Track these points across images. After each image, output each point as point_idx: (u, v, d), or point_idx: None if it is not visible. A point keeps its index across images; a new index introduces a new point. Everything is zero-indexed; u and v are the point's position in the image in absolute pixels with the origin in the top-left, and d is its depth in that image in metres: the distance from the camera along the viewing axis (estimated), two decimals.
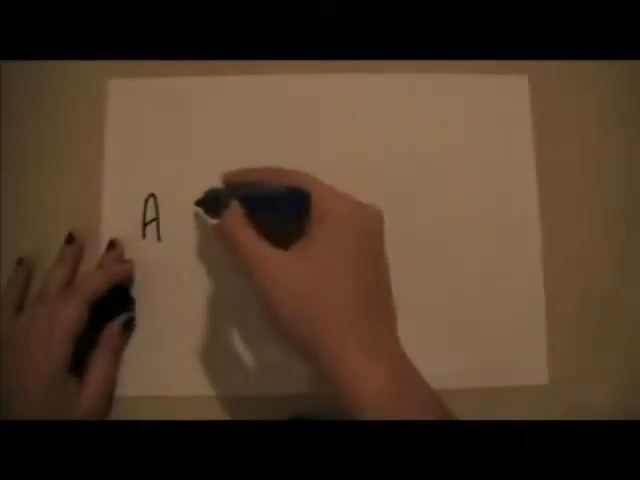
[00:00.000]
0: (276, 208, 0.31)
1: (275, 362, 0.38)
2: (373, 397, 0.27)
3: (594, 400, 0.38)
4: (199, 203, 0.37)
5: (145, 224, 0.39)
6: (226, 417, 0.35)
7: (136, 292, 0.39)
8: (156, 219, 0.40)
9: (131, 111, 0.41)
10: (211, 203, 0.36)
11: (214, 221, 0.36)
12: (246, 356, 0.38)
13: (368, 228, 0.30)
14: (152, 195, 0.40)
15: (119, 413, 0.37)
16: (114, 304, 0.37)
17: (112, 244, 0.38)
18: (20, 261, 0.38)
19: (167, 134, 0.40)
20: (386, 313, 0.30)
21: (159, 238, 0.39)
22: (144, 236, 0.39)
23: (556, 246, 0.39)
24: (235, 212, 0.31)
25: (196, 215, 0.39)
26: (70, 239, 0.38)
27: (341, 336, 0.28)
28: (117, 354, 0.37)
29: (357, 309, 0.28)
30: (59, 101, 0.41)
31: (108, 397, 0.36)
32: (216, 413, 0.37)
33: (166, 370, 0.38)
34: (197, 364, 0.38)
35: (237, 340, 0.38)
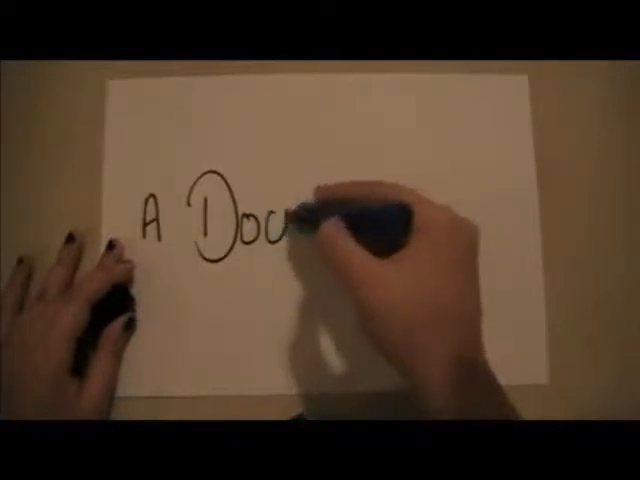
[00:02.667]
0: (379, 225, 0.31)
1: (275, 362, 0.38)
2: (453, 412, 0.27)
3: (594, 400, 0.38)
4: (289, 218, 0.38)
5: (145, 224, 0.39)
6: (226, 417, 0.35)
7: (136, 292, 0.39)
8: (156, 219, 0.40)
9: (131, 111, 0.41)
10: (303, 218, 0.36)
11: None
12: (246, 356, 0.38)
13: (466, 242, 0.30)
14: (152, 195, 0.40)
15: (119, 413, 0.37)
16: (114, 304, 0.37)
17: (112, 244, 0.38)
18: (20, 261, 0.38)
19: (167, 134, 0.40)
20: (476, 327, 0.30)
21: (159, 238, 0.39)
22: (144, 236, 0.39)
23: (556, 246, 0.39)
24: (336, 223, 0.31)
25: (195, 215, 0.39)
26: (70, 239, 0.38)
27: (430, 348, 0.28)
28: (118, 354, 0.37)
29: (450, 322, 0.28)
30: (59, 101, 0.41)
31: (109, 397, 0.36)
32: (216, 413, 0.36)
33: (166, 370, 0.38)
34: (197, 364, 0.38)
35: (237, 340, 0.38)
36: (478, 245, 0.31)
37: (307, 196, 0.40)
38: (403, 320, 0.28)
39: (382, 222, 0.31)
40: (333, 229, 0.31)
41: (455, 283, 0.29)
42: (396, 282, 0.28)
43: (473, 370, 0.29)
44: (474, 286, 0.30)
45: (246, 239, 0.39)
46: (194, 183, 0.40)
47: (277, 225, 0.39)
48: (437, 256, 0.29)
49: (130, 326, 0.37)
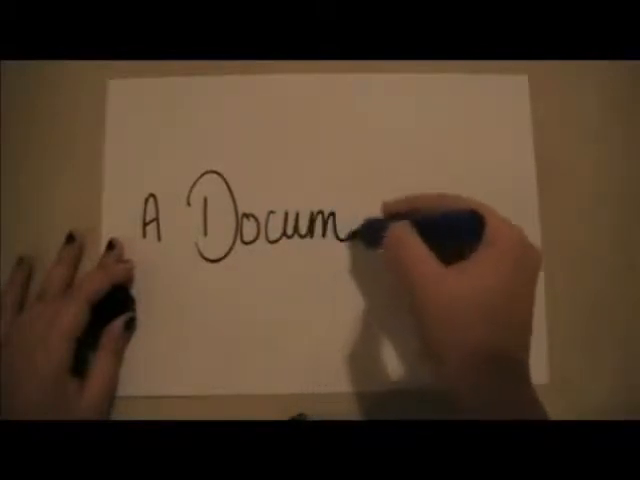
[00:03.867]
0: (449, 230, 0.31)
1: (275, 362, 0.38)
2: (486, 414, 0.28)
3: (594, 400, 0.38)
4: (355, 235, 0.38)
5: (145, 224, 0.39)
6: (226, 417, 0.35)
7: (136, 292, 0.39)
8: (156, 219, 0.40)
9: (131, 111, 0.41)
10: (370, 233, 0.36)
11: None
12: (245, 356, 0.38)
13: (531, 264, 0.30)
14: (152, 195, 0.40)
15: (119, 413, 0.37)
16: (114, 304, 0.37)
17: (112, 244, 0.38)
18: (20, 261, 0.38)
19: (167, 134, 0.40)
20: (524, 350, 0.30)
21: (159, 238, 0.39)
22: (144, 236, 0.39)
23: (556, 246, 0.39)
24: (405, 226, 0.31)
25: (195, 215, 0.39)
26: (70, 239, 0.38)
27: (473, 362, 0.28)
28: (118, 354, 0.37)
29: (497, 339, 0.28)
30: (59, 101, 0.41)
31: (109, 397, 0.36)
32: (216, 413, 0.37)
33: (166, 370, 0.38)
34: (197, 364, 0.38)
35: (237, 340, 0.38)
36: (539, 272, 0.31)
37: (307, 196, 0.40)
38: (451, 325, 0.28)
39: (453, 227, 0.30)
40: (402, 229, 0.31)
41: (514, 302, 0.29)
42: (458, 288, 0.28)
43: (515, 384, 0.29)
44: (528, 308, 0.30)
45: (246, 239, 0.39)
46: (194, 183, 0.40)
47: (277, 225, 0.39)
48: (502, 272, 0.29)
49: (130, 326, 0.37)
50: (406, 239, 0.30)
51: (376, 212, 0.38)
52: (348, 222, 0.39)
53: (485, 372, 0.28)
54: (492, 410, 0.28)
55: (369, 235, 0.37)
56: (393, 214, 0.35)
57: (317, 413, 0.36)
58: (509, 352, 0.29)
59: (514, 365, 0.29)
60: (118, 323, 0.37)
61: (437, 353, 0.29)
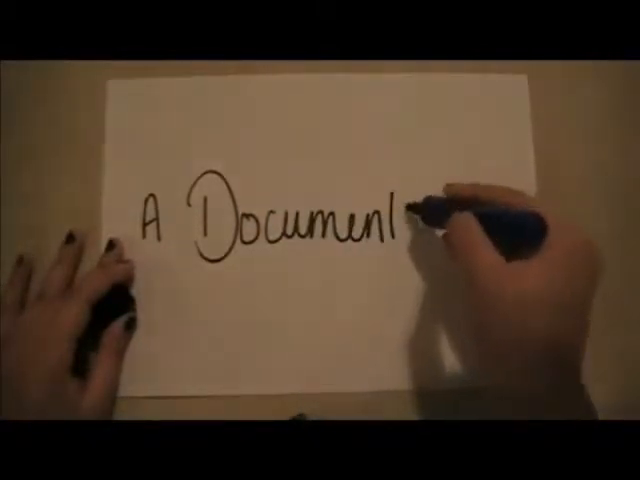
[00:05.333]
0: (512, 229, 0.31)
1: (275, 362, 0.38)
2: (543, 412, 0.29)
3: (594, 400, 0.38)
4: (411, 207, 0.38)
5: (145, 224, 0.39)
6: (226, 417, 0.35)
7: (136, 292, 0.39)
8: (156, 219, 0.40)
9: (131, 111, 0.41)
10: (429, 210, 0.37)
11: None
12: (246, 356, 0.38)
13: (592, 272, 0.30)
14: (152, 195, 0.40)
15: (119, 413, 0.37)
16: (114, 304, 0.37)
17: (112, 244, 0.38)
18: (20, 260, 0.38)
19: (167, 134, 0.40)
20: (581, 352, 0.30)
21: (159, 238, 0.39)
22: (144, 236, 0.39)
23: None
24: (470, 217, 0.31)
25: (195, 215, 0.39)
26: (70, 239, 0.38)
27: (534, 362, 0.28)
28: (120, 354, 0.37)
29: (558, 340, 0.28)
30: (59, 101, 0.41)
31: (111, 398, 0.36)
32: (216, 413, 0.37)
33: (166, 370, 0.38)
34: (197, 364, 0.38)
35: (237, 340, 0.38)
36: (599, 278, 0.30)
37: (307, 196, 0.40)
38: (510, 322, 0.28)
39: (516, 227, 0.31)
40: (467, 218, 0.31)
41: (575, 304, 0.29)
42: (522, 285, 0.28)
43: (570, 385, 0.29)
44: (585, 312, 0.30)
45: (246, 239, 0.39)
46: (194, 183, 0.40)
47: (277, 225, 0.39)
48: (565, 274, 0.29)
49: (131, 326, 0.37)
50: (470, 229, 0.31)
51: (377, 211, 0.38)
52: (348, 222, 0.39)
53: (544, 373, 0.28)
54: (546, 410, 0.28)
55: (429, 212, 0.37)
56: (455, 197, 0.36)
57: (317, 413, 0.36)
58: (567, 354, 0.29)
59: (571, 367, 0.29)
60: (119, 323, 0.37)
61: (499, 352, 0.29)
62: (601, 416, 0.36)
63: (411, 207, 0.39)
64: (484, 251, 0.30)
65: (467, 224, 0.31)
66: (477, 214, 0.31)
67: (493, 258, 0.29)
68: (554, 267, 0.29)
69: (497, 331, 0.29)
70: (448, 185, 0.37)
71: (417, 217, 0.39)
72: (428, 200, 0.37)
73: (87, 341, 0.35)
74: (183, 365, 0.38)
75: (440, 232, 0.38)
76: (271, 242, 0.39)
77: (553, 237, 0.29)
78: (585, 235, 0.30)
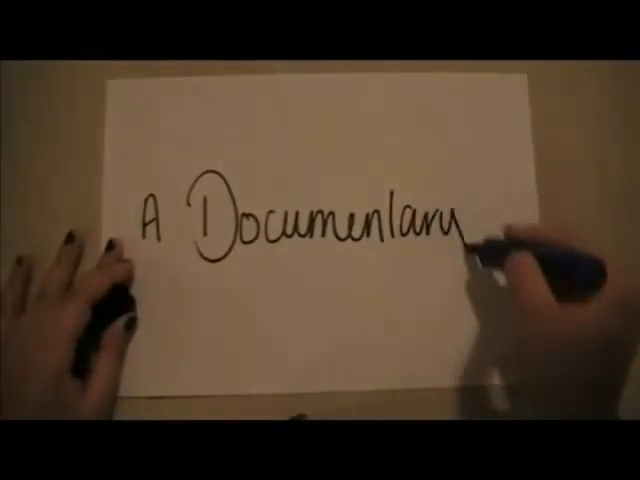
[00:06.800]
0: (570, 273, 0.31)
1: (275, 362, 0.38)
2: None
3: None
4: (473, 248, 0.38)
5: (145, 224, 0.39)
6: (226, 417, 0.35)
7: (136, 292, 0.39)
8: (156, 219, 0.40)
9: (130, 111, 0.41)
10: (489, 251, 0.37)
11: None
12: (246, 356, 0.38)
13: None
14: (152, 195, 0.40)
15: (119, 413, 0.37)
16: (114, 304, 0.37)
17: (112, 244, 0.38)
18: (19, 260, 0.38)
19: (167, 134, 0.40)
20: (616, 395, 0.30)
21: (159, 238, 0.39)
22: (144, 236, 0.39)
23: None
24: (528, 257, 0.32)
25: (195, 215, 0.39)
26: (70, 239, 0.38)
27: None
28: (120, 355, 0.37)
29: (593, 384, 0.29)
30: (58, 101, 0.41)
31: (112, 398, 0.36)
32: (216, 413, 0.37)
33: (166, 370, 0.38)
34: (197, 364, 0.38)
35: (237, 340, 0.38)
36: None
37: (307, 196, 0.40)
38: (564, 361, 0.29)
39: (574, 271, 0.31)
40: (526, 258, 0.32)
41: (619, 352, 0.30)
42: (571, 328, 0.29)
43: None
44: (631, 359, 0.30)
45: (246, 239, 0.39)
46: (194, 183, 0.40)
47: (277, 225, 0.39)
48: (615, 323, 0.29)
49: (131, 326, 0.37)
50: (529, 269, 0.31)
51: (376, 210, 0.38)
52: (347, 221, 0.39)
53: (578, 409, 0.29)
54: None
55: (487, 253, 0.37)
56: (514, 239, 0.36)
57: (317, 413, 0.36)
58: (603, 395, 0.30)
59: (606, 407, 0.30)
60: (119, 323, 0.37)
61: (540, 385, 0.31)
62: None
63: (472, 248, 0.39)
64: (538, 291, 0.30)
65: (524, 263, 0.32)
66: (536, 254, 0.32)
67: (546, 299, 0.30)
68: (609, 313, 0.29)
69: (542, 370, 0.30)
70: (508, 227, 0.37)
71: (476, 258, 0.38)
72: (488, 241, 0.37)
73: (87, 341, 0.35)
74: (183, 365, 0.38)
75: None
76: (271, 242, 0.39)
77: (611, 284, 0.30)
78: (635, 285, 0.30)
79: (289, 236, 0.39)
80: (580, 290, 0.30)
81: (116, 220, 0.39)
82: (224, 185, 0.40)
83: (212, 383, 0.38)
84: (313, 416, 0.36)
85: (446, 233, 0.40)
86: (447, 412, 0.37)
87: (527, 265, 0.32)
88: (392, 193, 0.40)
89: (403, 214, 0.40)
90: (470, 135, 0.41)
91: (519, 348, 0.32)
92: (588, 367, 0.29)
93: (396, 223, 0.40)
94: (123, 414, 0.37)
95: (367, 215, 0.40)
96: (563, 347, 0.29)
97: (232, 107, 0.41)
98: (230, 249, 0.39)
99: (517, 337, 0.32)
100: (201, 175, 0.40)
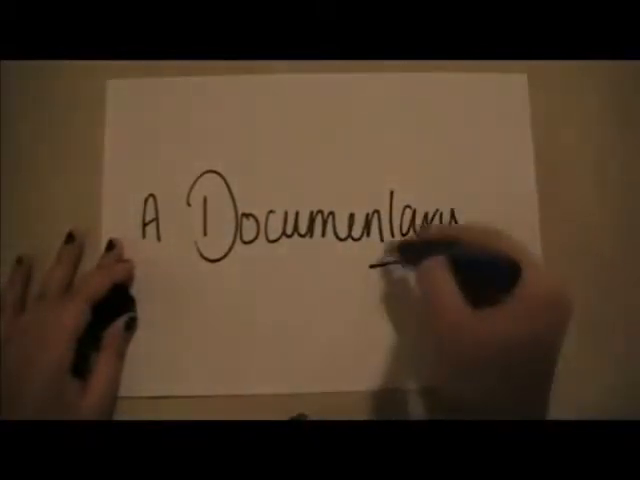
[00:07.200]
0: (484, 275, 0.30)
1: (275, 362, 0.38)
2: None
3: (594, 400, 0.38)
4: (393, 249, 0.38)
5: (145, 224, 0.39)
6: (226, 417, 0.35)
7: (136, 292, 0.39)
8: (156, 219, 0.40)
9: (130, 111, 0.41)
10: (408, 252, 0.37)
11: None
12: (246, 356, 0.38)
13: (561, 318, 0.30)
14: (152, 195, 0.40)
15: (119, 413, 0.37)
16: (115, 304, 0.37)
17: (112, 244, 0.38)
18: (19, 260, 0.38)
19: (167, 134, 0.40)
20: (541, 399, 0.30)
21: (159, 238, 0.39)
22: (144, 236, 0.39)
23: (556, 246, 0.39)
24: (440, 260, 0.31)
25: (195, 215, 0.39)
26: (70, 239, 0.38)
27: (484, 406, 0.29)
28: (120, 355, 0.37)
29: (511, 390, 0.29)
30: (58, 101, 0.41)
31: (112, 398, 0.36)
32: (216, 413, 0.37)
33: (166, 370, 0.38)
34: (197, 364, 0.38)
35: (237, 340, 0.38)
36: (567, 325, 0.30)
37: (307, 196, 0.40)
38: (472, 373, 0.29)
39: (487, 274, 0.30)
40: (435, 266, 0.31)
41: (536, 355, 0.29)
42: (480, 336, 0.28)
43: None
44: (554, 361, 0.30)
45: (246, 239, 0.39)
46: (194, 183, 0.40)
47: (277, 225, 0.39)
48: (528, 327, 0.28)
49: (131, 326, 0.37)
50: (437, 278, 0.31)
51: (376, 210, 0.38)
52: (347, 221, 0.39)
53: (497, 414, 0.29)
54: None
55: (406, 254, 0.37)
56: (428, 240, 0.36)
57: (317, 413, 0.36)
58: (522, 403, 0.29)
59: (528, 410, 0.30)
60: (119, 324, 0.37)
61: (452, 394, 0.31)
62: (601, 416, 0.37)
63: (391, 249, 0.38)
64: (447, 306, 0.29)
65: (434, 272, 0.31)
66: (450, 256, 0.31)
67: (455, 312, 0.29)
68: (516, 321, 0.28)
69: (453, 380, 0.30)
70: (422, 228, 0.37)
71: (397, 260, 0.38)
72: (407, 242, 0.37)
73: (87, 341, 0.35)
74: (183, 365, 0.38)
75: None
76: (271, 242, 0.39)
77: (523, 287, 0.29)
78: (557, 282, 0.29)
79: (289, 236, 0.39)
80: (494, 292, 0.29)
81: (116, 220, 0.39)
82: (224, 185, 0.40)
83: (212, 383, 0.38)
84: (313, 416, 0.36)
85: None
86: (447, 412, 0.37)
87: (437, 272, 0.31)
88: (392, 193, 0.40)
89: (403, 214, 0.40)
90: (470, 135, 0.41)
91: (435, 354, 0.31)
92: (505, 373, 0.28)
93: (396, 223, 0.40)
94: (123, 414, 0.37)
95: (367, 215, 0.40)
96: (476, 354, 0.28)
97: (232, 107, 0.41)
98: (230, 249, 0.39)
99: (434, 349, 0.31)
100: (201, 175, 0.40)
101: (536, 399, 0.30)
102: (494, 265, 0.30)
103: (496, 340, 0.28)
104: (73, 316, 0.34)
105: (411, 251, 0.36)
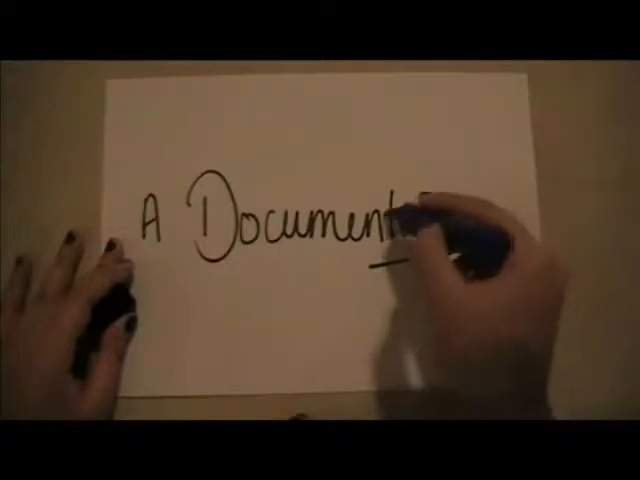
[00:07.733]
0: (477, 247, 0.31)
1: (275, 362, 0.38)
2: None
3: (594, 400, 0.38)
4: (390, 212, 0.39)
5: (145, 224, 0.39)
6: (226, 417, 0.35)
7: (136, 292, 0.39)
8: (156, 219, 0.40)
9: (130, 111, 0.41)
10: (405, 219, 0.37)
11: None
12: (246, 356, 0.38)
13: (556, 289, 0.30)
14: (152, 195, 0.40)
15: (119, 413, 0.37)
16: (115, 304, 0.37)
17: (112, 244, 0.38)
18: (19, 261, 0.38)
19: (167, 134, 0.40)
20: (541, 373, 0.30)
21: (159, 238, 0.39)
22: (144, 236, 0.39)
23: (556, 246, 0.39)
24: (435, 234, 0.31)
25: (195, 215, 0.39)
26: (70, 239, 0.38)
27: (484, 380, 0.29)
28: (120, 355, 0.37)
29: (509, 364, 0.29)
30: (59, 101, 0.41)
31: (111, 398, 0.36)
32: (216, 413, 0.37)
33: (166, 370, 0.38)
34: (197, 364, 0.38)
35: (237, 340, 0.38)
36: (565, 292, 0.30)
37: (307, 196, 0.40)
38: (467, 345, 0.29)
39: (481, 245, 0.31)
40: (430, 238, 0.31)
41: (531, 326, 0.29)
42: (476, 310, 0.28)
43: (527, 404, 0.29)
44: (551, 333, 0.30)
45: (246, 239, 0.39)
46: (194, 183, 0.40)
47: (277, 225, 0.39)
48: (524, 297, 0.29)
49: (131, 326, 0.37)
50: (432, 250, 0.31)
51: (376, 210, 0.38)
52: (347, 221, 0.39)
53: (500, 383, 0.29)
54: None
55: (404, 220, 0.37)
56: (428, 207, 0.36)
57: (317, 413, 0.36)
58: (522, 377, 0.29)
59: (528, 386, 0.29)
60: (119, 324, 0.37)
61: (450, 366, 0.30)
62: (601, 416, 0.37)
63: (389, 213, 0.39)
64: (444, 273, 0.30)
65: (427, 247, 0.31)
66: (444, 226, 0.31)
67: (449, 285, 0.29)
68: (510, 291, 0.29)
69: (450, 352, 0.29)
70: (422, 194, 0.37)
71: (396, 223, 0.39)
72: (404, 208, 0.37)
73: (87, 341, 0.35)
74: (183, 365, 0.38)
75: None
76: (271, 242, 0.39)
77: (516, 257, 0.29)
78: (548, 255, 0.30)
79: (289, 236, 0.39)
80: (487, 263, 0.30)
81: (116, 220, 0.39)
82: (224, 185, 0.40)
83: (212, 383, 0.38)
84: (313, 416, 0.36)
85: None
86: (448, 412, 0.37)
87: (430, 245, 0.31)
88: (392, 193, 0.40)
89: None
90: (470, 135, 0.41)
91: (434, 330, 0.31)
92: (504, 344, 0.28)
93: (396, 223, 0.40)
94: (123, 414, 0.37)
95: (367, 215, 0.40)
96: (475, 330, 0.28)
97: (232, 107, 0.41)
98: (230, 249, 0.39)
99: (431, 324, 0.31)
100: (201, 175, 0.40)
101: (535, 378, 0.30)
102: (485, 237, 0.30)
103: (492, 312, 0.28)
104: (73, 316, 0.34)
105: (408, 217, 0.37)
